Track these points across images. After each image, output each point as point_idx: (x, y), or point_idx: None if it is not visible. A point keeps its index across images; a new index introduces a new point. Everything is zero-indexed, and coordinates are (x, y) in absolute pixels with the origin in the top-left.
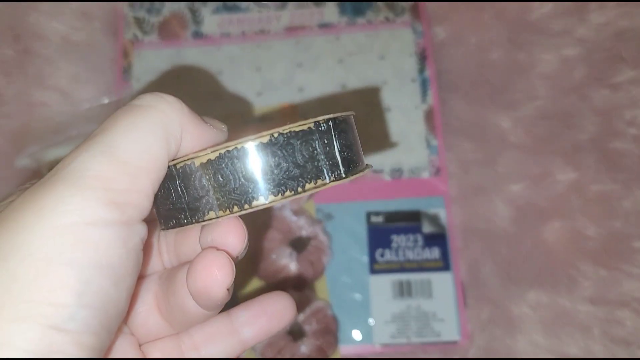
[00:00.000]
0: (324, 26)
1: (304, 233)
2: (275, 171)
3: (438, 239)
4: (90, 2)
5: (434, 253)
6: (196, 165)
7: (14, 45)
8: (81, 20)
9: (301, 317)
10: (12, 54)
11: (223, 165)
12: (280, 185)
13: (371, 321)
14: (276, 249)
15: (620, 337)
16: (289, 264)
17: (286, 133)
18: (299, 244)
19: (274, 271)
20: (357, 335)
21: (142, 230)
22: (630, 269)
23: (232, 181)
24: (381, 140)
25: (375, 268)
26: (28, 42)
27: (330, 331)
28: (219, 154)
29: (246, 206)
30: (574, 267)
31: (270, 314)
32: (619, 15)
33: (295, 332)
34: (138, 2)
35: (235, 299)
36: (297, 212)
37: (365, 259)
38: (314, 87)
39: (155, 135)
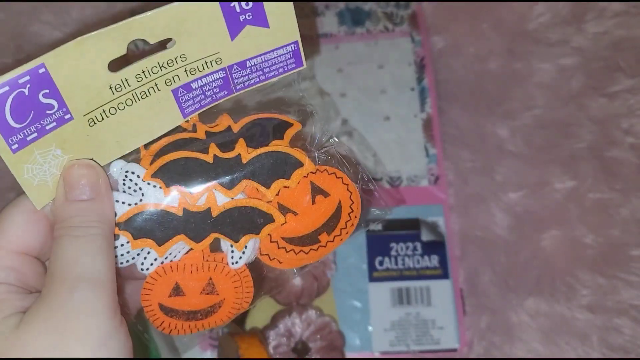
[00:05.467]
0: (324, 36)
1: None
2: None
3: (437, 247)
4: (91, 11)
5: (433, 261)
6: None
7: (16, 55)
8: (83, 30)
9: (306, 333)
10: (13, 63)
11: None
12: None
13: (370, 329)
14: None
15: (619, 344)
16: (293, 279)
17: None
18: None
19: (278, 286)
20: (356, 342)
21: None
22: (628, 277)
23: None
24: (380, 149)
25: (374, 276)
26: (30, 52)
27: (335, 347)
28: None
29: None
30: (573, 275)
31: None
32: (615, 24)
33: (299, 350)
34: (139, 12)
35: (243, 313)
36: None
37: (364, 266)
38: (313, 96)
39: None
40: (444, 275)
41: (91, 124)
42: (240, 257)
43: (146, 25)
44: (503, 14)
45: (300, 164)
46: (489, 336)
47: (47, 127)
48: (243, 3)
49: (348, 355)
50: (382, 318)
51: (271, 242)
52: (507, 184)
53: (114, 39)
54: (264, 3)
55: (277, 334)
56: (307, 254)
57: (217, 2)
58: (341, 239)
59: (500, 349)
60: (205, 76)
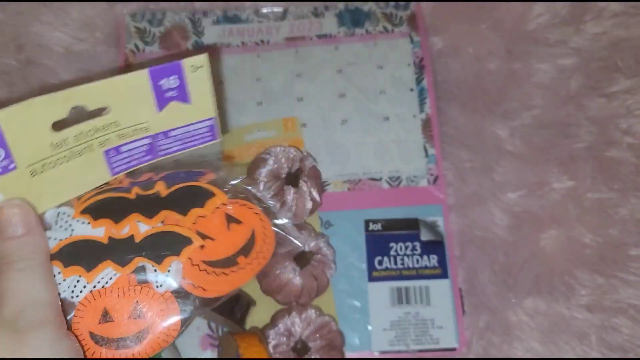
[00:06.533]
0: (323, 37)
1: (308, 247)
2: None
3: (436, 247)
4: (92, 12)
5: (432, 260)
6: None
7: (16, 55)
8: (83, 30)
9: (305, 333)
10: (14, 64)
11: None
12: None
13: (370, 328)
14: (279, 264)
15: (617, 344)
16: (293, 278)
17: None
18: (302, 259)
19: (277, 286)
20: (355, 342)
21: None
22: (627, 277)
23: None
24: (379, 149)
25: (373, 275)
26: (31, 52)
27: (335, 347)
28: None
29: None
30: (571, 275)
31: None
32: (614, 25)
33: (299, 350)
34: (140, 13)
35: (244, 313)
36: (301, 227)
37: (363, 266)
38: (313, 97)
39: None
40: (443, 274)
41: (32, 175)
42: (164, 281)
43: (87, 94)
44: (502, 15)
45: (212, 194)
46: (487, 335)
47: None
48: (171, 81)
49: (347, 354)
50: (381, 317)
51: (192, 265)
52: (506, 184)
53: (58, 103)
54: (187, 83)
55: (276, 334)
56: (227, 275)
57: (149, 80)
58: (259, 263)
59: (499, 349)
60: (133, 141)
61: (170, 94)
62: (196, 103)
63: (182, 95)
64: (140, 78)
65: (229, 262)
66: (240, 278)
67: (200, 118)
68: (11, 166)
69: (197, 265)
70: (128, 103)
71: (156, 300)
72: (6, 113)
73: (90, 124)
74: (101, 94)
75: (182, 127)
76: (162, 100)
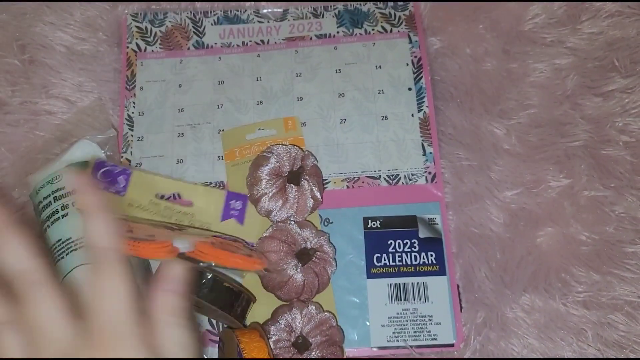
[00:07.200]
0: (323, 37)
1: (309, 245)
2: None
3: (434, 244)
4: (94, 12)
5: (430, 257)
6: None
7: (19, 55)
8: (86, 30)
9: (306, 329)
10: (17, 63)
11: None
12: None
13: (368, 324)
14: (281, 261)
15: (614, 340)
16: (294, 275)
17: None
18: (304, 256)
19: (279, 282)
20: (354, 338)
21: None
22: (622, 274)
23: None
24: (378, 148)
25: (372, 272)
26: (33, 52)
27: (335, 343)
28: None
29: None
30: (567, 272)
31: None
32: (610, 25)
33: (300, 345)
34: (141, 13)
35: (244, 308)
36: (302, 225)
37: (362, 263)
38: (312, 96)
39: None
40: (441, 271)
41: (128, 206)
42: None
43: (184, 188)
44: (499, 15)
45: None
46: (485, 332)
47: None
48: (237, 204)
49: (346, 350)
50: (380, 314)
51: (207, 242)
52: (502, 182)
53: (167, 184)
54: (247, 211)
55: (277, 329)
56: (227, 252)
57: (224, 198)
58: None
59: (496, 345)
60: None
61: (233, 212)
62: (247, 227)
63: (240, 217)
64: (220, 194)
65: (235, 248)
66: (237, 260)
67: (245, 239)
68: (122, 192)
69: (211, 241)
70: (205, 205)
71: (152, 246)
72: (138, 172)
73: (177, 206)
74: (192, 192)
75: (230, 235)
76: (226, 214)
